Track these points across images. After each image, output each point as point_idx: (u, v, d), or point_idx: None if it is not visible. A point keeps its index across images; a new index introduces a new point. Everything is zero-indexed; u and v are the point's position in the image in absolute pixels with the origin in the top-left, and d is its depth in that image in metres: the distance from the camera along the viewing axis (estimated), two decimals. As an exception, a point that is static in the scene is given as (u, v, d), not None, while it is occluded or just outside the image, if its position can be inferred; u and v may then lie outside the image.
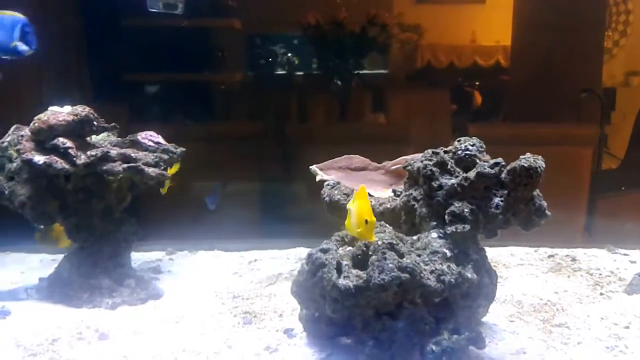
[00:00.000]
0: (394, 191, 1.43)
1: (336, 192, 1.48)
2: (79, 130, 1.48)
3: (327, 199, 1.48)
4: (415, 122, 3.97)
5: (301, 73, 4.98)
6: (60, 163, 1.43)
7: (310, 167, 1.61)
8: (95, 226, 1.51)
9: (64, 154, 1.44)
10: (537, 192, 1.23)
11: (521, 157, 1.20)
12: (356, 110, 4.24)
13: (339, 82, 4.05)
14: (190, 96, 4.18)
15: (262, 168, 3.07)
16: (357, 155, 1.65)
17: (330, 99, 4.22)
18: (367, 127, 3.88)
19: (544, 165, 1.18)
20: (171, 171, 1.59)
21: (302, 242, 1.89)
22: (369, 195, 1.44)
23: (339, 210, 1.46)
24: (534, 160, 1.18)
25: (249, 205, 2.86)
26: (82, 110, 1.49)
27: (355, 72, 4.19)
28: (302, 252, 1.83)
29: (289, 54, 5.07)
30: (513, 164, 1.19)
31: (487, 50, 5.84)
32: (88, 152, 1.45)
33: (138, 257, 1.78)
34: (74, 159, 1.44)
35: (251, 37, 5.03)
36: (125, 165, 1.45)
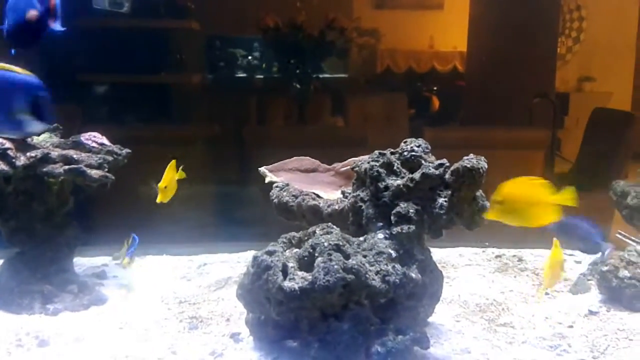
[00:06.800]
0: (342, 192, 1.43)
1: (285, 193, 1.46)
2: (18, 131, 1.43)
3: (275, 200, 1.47)
4: (373, 126, 4.00)
5: (260, 76, 4.96)
6: (-1, 165, 1.38)
7: (260, 168, 1.60)
8: (36, 230, 1.46)
9: (2, 155, 1.40)
10: (480, 192, 1.24)
11: (464, 158, 1.21)
12: (315, 113, 4.25)
13: (298, 85, 4.04)
14: (148, 97, 4.11)
15: (218, 171, 3.04)
16: (307, 157, 1.64)
17: (289, 102, 4.22)
18: (325, 130, 3.89)
19: (486, 166, 1.20)
20: (178, 175, 1.49)
21: (254, 245, 1.86)
22: (317, 196, 1.44)
23: (287, 212, 1.45)
24: (476, 161, 1.20)
25: (202, 209, 2.82)
26: (22, 110, 1.44)
27: (315, 75, 4.19)
28: (253, 255, 1.81)
29: (249, 57, 5.04)
30: (456, 165, 1.21)
31: (445, 55, 5.95)
32: (28, 154, 1.41)
33: (83, 262, 1.73)
34: (14, 160, 1.39)
35: (210, 39, 4.99)
36: (66, 167, 1.40)
